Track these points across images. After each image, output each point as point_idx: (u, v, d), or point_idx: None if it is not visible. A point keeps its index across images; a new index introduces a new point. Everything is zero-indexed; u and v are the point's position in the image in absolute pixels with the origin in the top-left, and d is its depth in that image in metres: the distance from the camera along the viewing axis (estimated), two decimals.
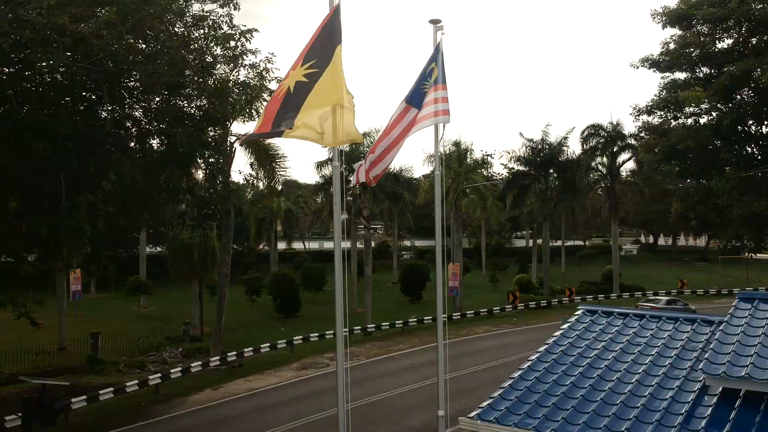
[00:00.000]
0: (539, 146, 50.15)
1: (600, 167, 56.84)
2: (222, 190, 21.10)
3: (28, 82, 12.78)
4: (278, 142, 28.69)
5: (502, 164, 53.12)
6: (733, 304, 11.14)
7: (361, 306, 43.16)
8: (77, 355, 34.19)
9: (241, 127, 28.08)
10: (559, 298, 49.46)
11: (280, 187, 43.04)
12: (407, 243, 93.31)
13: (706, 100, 27.91)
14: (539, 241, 65.24)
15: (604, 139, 53.10)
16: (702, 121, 31.83)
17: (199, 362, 28.99)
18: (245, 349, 31.37)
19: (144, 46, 14.92)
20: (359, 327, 36.92)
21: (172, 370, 27.42)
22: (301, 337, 34.08)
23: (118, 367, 31.27)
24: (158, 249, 57.54)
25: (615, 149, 54.11)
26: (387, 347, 34.13)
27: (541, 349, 11.68)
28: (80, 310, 44.32)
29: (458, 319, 41.38)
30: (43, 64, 12.15)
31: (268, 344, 32.26)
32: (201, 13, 17.78)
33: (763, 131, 29.90)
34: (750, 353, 9.37)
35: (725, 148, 28.95)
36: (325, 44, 7.41)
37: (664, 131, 30.49)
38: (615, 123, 52.68)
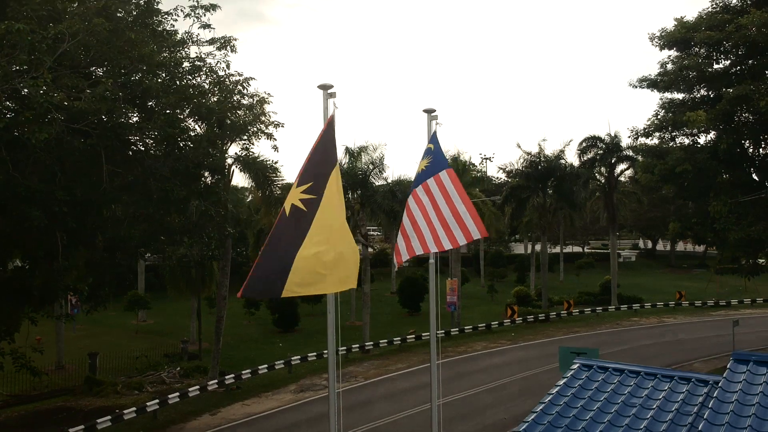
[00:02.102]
0: (537, 159, 50.18)
1: (597, 175, 56.85)
2: (219, 236, 21.19)
3: (22, 151, 12.82)
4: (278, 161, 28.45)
5: (501, 168, 53.19)
6: (728, 366, 11.13)
7: (359, 319, 43.12)
8: (75, 373, 34.18)
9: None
10: (557, 311, 49.48)
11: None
12: None
13: (704, 125, 27.95)
14: (537, 246, 65.28)
15: (603, 151, 53.12)
16: (701, 140, 31.86)
17: (197, 386, 28.97)
18: (243, 371, 31.36)
19: (140, 94, 14.95)
20: (357, 345, 36.92)
21: (170, 396, 27.39)
22: (299, 357, 34.03)
23: (116, 389, 31.28)
24: (157, 256, 57.36)
25: (613, 160, 54.16)
26: (385, 366, 34.14)
27: (537, 409, 11.67)
28: (79, 324, 44.28)
29: (456, 335, 41.42)
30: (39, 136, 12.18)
31: (266, 366, 32.22)
32: (198, 59, 17.79)
33: (760, 153, 29.94)
34: (744, 425, 9.40)
35: (723, 170, 28.99)
36: (319, 165, 7.41)
37: (662, 154, 30.54)
38: (613, 135, 52.75)
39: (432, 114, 9.14)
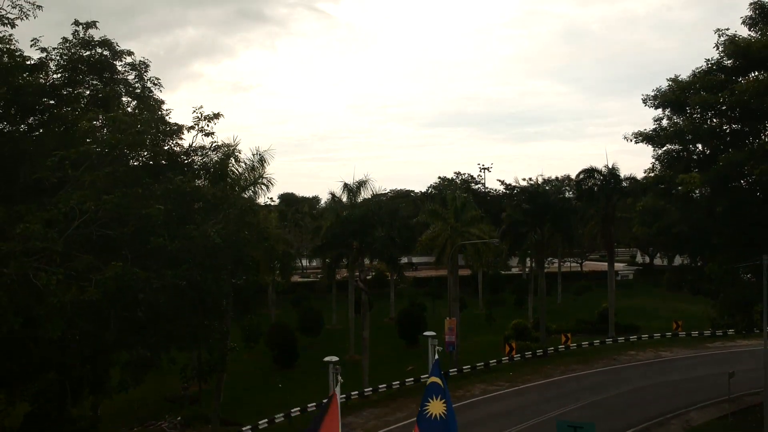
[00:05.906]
0: (535, 194, 50.54)
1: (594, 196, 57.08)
2: (221, 351, 21.48)
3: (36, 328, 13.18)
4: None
5: (499, 180, 54.04)
6: None
7: (357, 352, 43.14)
8: None
9: None
10: (555, 345, 49.72)
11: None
12: (405, 260, 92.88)
13: (699, 186, 28.27)
14: (534, 264, 65.59)
15: (600, 183, 53.48)
16: (697, 185, 32.13)
17: None
18: (244, 427, 31.61)
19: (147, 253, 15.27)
20: (356, 392, 37.12)
21: None
22: (298, 408, 34.18)
23: None
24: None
25: (610, 191, 54.49)
26: (384, 416, 34.34)
27: None
28: None
29: (455, 375, 41.64)
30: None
31: (266, 420, 32.47)
32: (202, 168, 18.10)
33: (756, 212, 30.19)
34: None
35: (718, 232, 29.25)
36: None
37: (658, 212, 30.87)
38: (611, 167, 53.11)
39: (433, 338, 9.46)
